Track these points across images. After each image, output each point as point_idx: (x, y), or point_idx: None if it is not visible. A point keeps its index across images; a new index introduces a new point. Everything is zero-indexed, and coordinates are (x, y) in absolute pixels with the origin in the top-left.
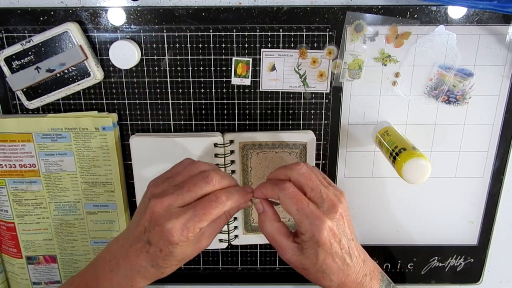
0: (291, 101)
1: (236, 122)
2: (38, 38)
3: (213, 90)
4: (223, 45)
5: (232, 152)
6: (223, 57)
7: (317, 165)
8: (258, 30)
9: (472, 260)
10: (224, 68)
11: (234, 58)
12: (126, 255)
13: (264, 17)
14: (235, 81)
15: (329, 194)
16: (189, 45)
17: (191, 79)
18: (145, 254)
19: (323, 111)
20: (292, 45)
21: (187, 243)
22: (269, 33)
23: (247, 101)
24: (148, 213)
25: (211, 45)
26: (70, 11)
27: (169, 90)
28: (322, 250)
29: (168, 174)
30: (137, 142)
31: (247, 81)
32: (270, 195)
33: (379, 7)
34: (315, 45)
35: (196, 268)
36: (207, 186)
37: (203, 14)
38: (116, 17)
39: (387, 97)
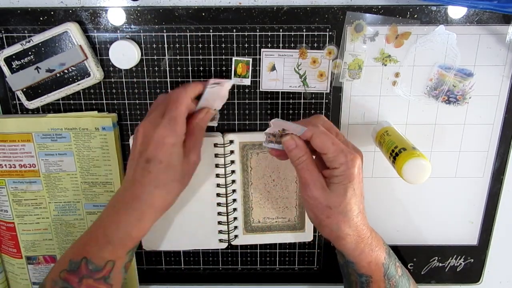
0: (291, 101)
1: (236, 122)
2: (38, 38)
3: None
4: (223, 45)
5: (232, 152)
6: (223, 57)
7: None
8: (258, 30)
9: (472, 260)
10: (224, 68)
11: (234, 58)
12: (130, 190)
13: (264, 17)
14: (235, 80)
15: (350, 142)
16: (189, 45)
17: (191, 79)
18: (147, 175)
19: (323, 111)
20: (292, 45)
21: (179, 147)
22: (269, 33)
23: (247, 101)
24: (138, 137)
25: (211, 45)
26: (70, 11)
27: (169, 90)
28: (351, 187)
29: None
30: None
31: (247, 81)
32: (301, 133)
33: (379, 7)
34: (315, 45)
35: (196, 268)
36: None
37: (203, 14)
38: (116, 17)
39: (387, 97)
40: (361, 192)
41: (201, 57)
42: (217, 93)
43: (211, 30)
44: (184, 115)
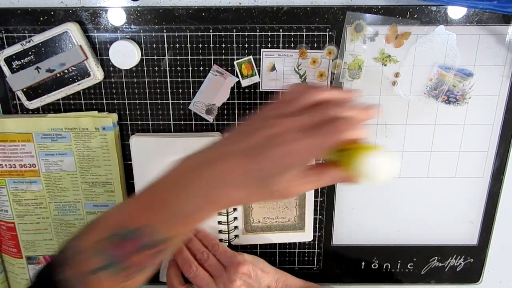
0: None
1: (236, 122)
2: (38, 38)
3: None
4: (223, 45)
5: None
6: (223, 57)
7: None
8: (258, 30)
9: (472, 260)
10: (224, 68)
11: (235, 62)
12: (218, 161)
13: (264, 17)
14: (244, 82)
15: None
16: (189, 45)
17: (191, 79)
18: (240, 170)
19: None
20: (292, 45)
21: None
22: (269, 33)
23: (247, 101)
24: (267, 129)
25: (211, 45)
26: (70, 11)
27: (169, 90)
28: None
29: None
30: (137, 142)
31: (256, 79)
32: None
33: (379, 7)
34: (315, 45)
35: None
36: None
37: (203, 14)
38: (116, 17)
39: (387, 97)
40: None
41: (201, 57)
42: (218, 85)
43: (211, 30)
44: None
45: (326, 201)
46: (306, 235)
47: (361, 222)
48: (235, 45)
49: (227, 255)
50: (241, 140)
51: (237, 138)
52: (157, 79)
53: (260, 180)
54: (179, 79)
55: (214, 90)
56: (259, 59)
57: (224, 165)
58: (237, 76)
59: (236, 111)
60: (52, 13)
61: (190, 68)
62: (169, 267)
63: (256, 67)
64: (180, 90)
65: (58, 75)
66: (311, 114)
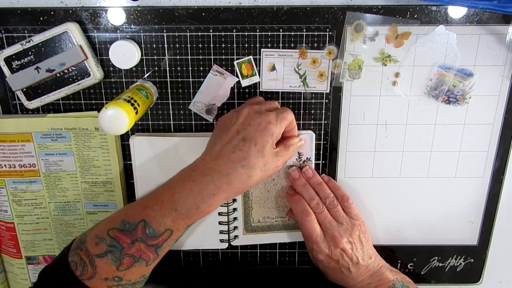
0: (291, 101)
1: None
2: (38, 38)
3: None
4: (223, 45)
5: None
6: (223, 57)
7: (317, 165)
8: (258, 30)
9: (472, 260)
10: (224, 68)
11: (235, 62)
12: (212, 163)
13: (264, 17)
14: (244, 82)
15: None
16: (189, 45)
17: (191, 79)
18: (238, 152)
19: (323, 111)
20: (292, 45)
21: (274, 141)
22: (269, 33)
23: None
24: (242, 116)
25: (211, 45)
26: (70, 11)
27: (169, 90)
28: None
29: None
30: (137, 142)
31: (256, 79)
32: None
33: (379, 7)
34: (315, 45)
35: (196, 268)
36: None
37: (203, 14)
38: (116, 17)
39: (387, 97)
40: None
41: (201, 57)
42: (218, 85)
43: (211, 30)
44: (289, 122)
45: None
46: None
47: None
48: (235, 45)
49: (353, 211)
50: (221, 138)
51: (217, 139)
52: (157, 79)
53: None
54: (179, 79)
55: (214, 90)
56: (259, 59)
57: (222, 160)
58: (237, 76)
59: None
60: (52, 13)
61: (190, 68)
62: (293, 196)
63: (256, 67)
64: (180, 90)
65: (58, 75)
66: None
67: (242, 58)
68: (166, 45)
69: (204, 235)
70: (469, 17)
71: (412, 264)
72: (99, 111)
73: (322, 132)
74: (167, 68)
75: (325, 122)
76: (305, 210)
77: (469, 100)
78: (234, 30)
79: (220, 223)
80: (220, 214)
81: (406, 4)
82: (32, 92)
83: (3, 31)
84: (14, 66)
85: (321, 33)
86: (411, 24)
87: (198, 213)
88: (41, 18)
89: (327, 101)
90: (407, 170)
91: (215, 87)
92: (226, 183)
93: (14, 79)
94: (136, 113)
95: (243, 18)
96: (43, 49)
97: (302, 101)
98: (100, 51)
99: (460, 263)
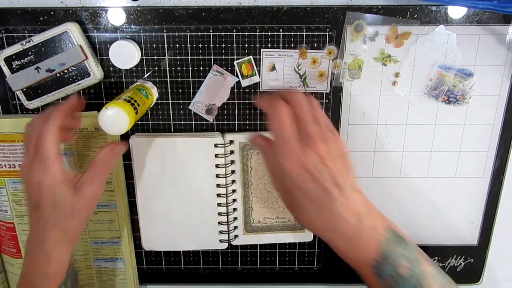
0: None
1: (236, 122)
2: (38, 38)
3: None
4: (223, 45)
5: (232, 152)
6: (223, 57)
7: None
8: (258, 30)
9: (472, 260)
10: (224, 68)
11: (235, 62)
12: (32, 235)
13: (264, 17)
14: (244, 82)
15: (311, 130)
16: (189, 45)
17: (191, 79)
18: (39, 219)
19: (323, 111)
20: (292, 45)
21: (61, 186)
22: (269, 33)
23: (247, 101)
24: (22, 183)
25: (211, 45)
26: (70, 11)
27: (169, 90)
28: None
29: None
30: (137, 142)
31: (256, 79)
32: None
33: (379, 7)
34: (315, 45)
35: (196, 268)
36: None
37: (203, 14)
38: (116, 17)
39: (387, 97)
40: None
41: (201, 57)
42: (218, 84)
43: (211, 30)
44: (56, 150)
45: None
46: (306, 235)
47: None
48: (235, 45)
49: (329, 127)
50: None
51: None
52: (157, 79)
53: None
54: (179, 79)
55: (214, 90)
56: (259, 59)
57: (35, 233)
58: (237, 76)
59: (236, 111)
60: (52, 13)
61: (190, 68)
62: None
63: (256, 67)
64: (180, 90)
65: (58, 75)
66: None
67: (242, 58)
68: (166, 45)
69: (204, 235)
70: (469, 17)
71: None
72: (99, 111)
73: None
74: (167, 68)
75: None
76: (275, 98)
77: (469, 100)
78: (234, 30)
79: (220, 223)
80: (220, 214)
81: (406, 4)
82: (32, 92)
83: (3, 31)
84: (14, 66)
85: (321, 33)
86: (411, 24)
87: (53, 277)
88: (41, 18)
89: (327, 101)
90: (407, 170)
91: (215, 87)
92: (52, 247)
93: (14, 79)
94: (136, 113)
95: (243, 18)
96: (43, 49)
97: None
98: (100, 51)
99: (460, 263)
